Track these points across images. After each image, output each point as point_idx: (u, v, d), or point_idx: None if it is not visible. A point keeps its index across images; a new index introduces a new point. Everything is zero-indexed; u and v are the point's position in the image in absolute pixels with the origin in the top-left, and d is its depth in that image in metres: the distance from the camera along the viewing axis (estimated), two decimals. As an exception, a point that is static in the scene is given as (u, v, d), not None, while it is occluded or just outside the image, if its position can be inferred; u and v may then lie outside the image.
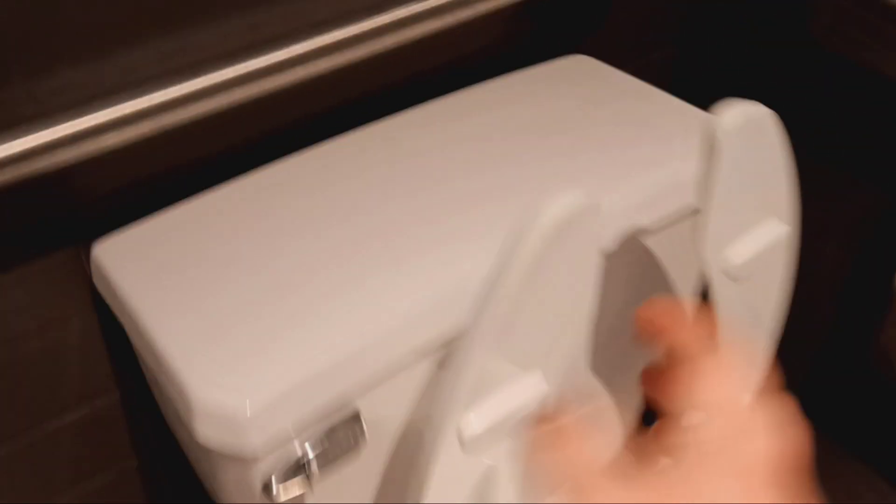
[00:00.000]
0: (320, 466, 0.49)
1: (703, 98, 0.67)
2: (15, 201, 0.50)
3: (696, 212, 0.51)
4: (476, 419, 0.44)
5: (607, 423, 0.73)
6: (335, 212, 0.56)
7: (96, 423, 0.65)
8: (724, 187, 0.48)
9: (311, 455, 0.48)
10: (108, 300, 0.54)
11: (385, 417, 0.53)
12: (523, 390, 0.45)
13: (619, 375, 0.70)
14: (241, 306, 0.50)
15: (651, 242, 0.62)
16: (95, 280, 0.55)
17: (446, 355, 0.50)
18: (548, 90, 0.69)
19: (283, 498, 0.48)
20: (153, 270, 0.52)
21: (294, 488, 0.48)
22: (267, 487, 0.48)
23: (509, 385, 0.45)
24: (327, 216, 0.56)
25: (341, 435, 0.49)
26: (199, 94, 0.51)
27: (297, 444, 0.48)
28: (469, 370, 0.43)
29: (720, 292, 0.55)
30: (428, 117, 0.66)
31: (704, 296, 0.58)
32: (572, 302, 0.46)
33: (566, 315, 0.46)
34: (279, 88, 0.54)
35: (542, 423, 0.44)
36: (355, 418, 0.49)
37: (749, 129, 0.48)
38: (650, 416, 0.43)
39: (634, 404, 0.74)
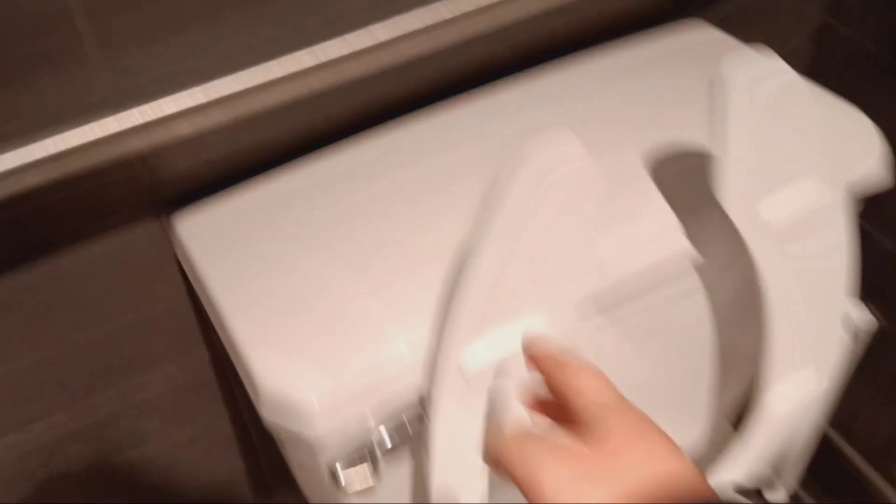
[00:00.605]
0: (388, 459, 0.48)
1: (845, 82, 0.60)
2: (106, 178, 0.52)
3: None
4: (474, 354, 0.45)
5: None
6: (429, 193, 0.54)
7: (186, 381, 0.68)
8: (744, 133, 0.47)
9: (378, 448, 0.48)
10: (188, 272, 0.54)
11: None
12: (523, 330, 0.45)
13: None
14: (318, 290, 0.48)
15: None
16: (177, 252, 0.55)
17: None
18: (662, 67, 0.64)
19: (351, 489, 0.48)
20: (230, 246, 0.52)
21: (361, 479, 0.48)
22: (334, 475, 0.47)
23: (509, 325, 0.45)
24: (422, 197, 0.54)
25: (411, 428, 0.48)
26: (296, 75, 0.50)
27: (365, 435, 0.47)
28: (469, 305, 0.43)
29: (763, 259, 0.52)
30: (538, 88, 0.62)
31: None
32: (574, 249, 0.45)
33: (567, 262, 0.45)
34: (384, 67, 0.52)
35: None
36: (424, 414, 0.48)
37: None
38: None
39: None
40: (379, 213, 0.53)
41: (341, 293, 0.48)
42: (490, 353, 0.45)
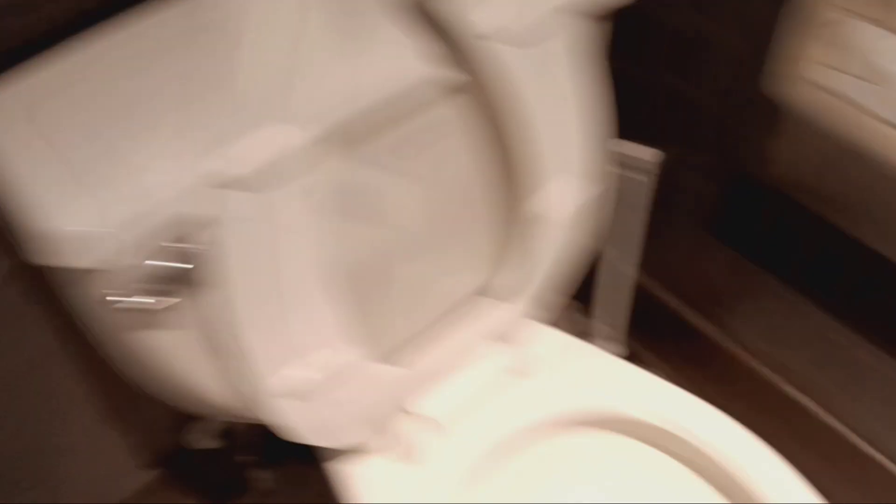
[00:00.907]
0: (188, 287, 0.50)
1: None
2: None
3: None
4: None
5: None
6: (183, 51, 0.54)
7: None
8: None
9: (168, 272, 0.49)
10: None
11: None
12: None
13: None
14: (84, 138, 0.49)
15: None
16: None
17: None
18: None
19: (158, 306, 0.48)
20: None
21: (160, 301, 0.49)
22: (110, 299, 0.48)
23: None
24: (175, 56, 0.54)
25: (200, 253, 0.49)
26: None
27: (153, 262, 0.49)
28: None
29: (507, 70, 0.56)
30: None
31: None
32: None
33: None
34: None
35: None
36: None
37: None
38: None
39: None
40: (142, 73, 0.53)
41: (108, 140, 0.49)
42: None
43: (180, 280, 0.49)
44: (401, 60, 0.56)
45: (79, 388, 0.81)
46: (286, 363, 0.59)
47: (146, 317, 0.51)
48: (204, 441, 0.95)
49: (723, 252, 0.97)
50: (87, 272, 0.46)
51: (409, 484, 0.73)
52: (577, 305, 1.10)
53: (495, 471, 0.79)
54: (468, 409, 0.78)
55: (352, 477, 0.74)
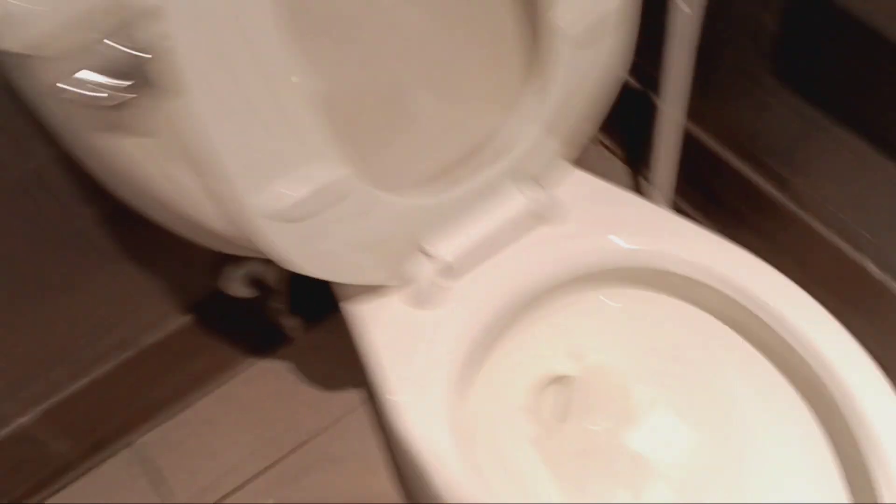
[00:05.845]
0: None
1: None
2: None
3: None
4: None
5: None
6: None
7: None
8: None
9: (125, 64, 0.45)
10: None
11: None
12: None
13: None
14: None
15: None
16: None
17: None
18: None
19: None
20: None
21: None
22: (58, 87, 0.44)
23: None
24: None
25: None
26: None
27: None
28: None
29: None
30: None
31: None
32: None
33: None
34: None
35: None
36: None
37: None
38: None
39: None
40: None
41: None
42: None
43: (134, 74, 0.45)
44: None
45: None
46: (268, 181, 0.55)
47: (106, 116, 0.48)
48: (238, 288, 0.94)
49: (785, 96, 0.87)
50: (26, 58, 0.43)
51: (421, 328, 0.70)
52: (609, 144, 1.01)
53: (513, 326, 0.75)
54: (487, 253, 0.73)
55: (363, 317, 0.72)
